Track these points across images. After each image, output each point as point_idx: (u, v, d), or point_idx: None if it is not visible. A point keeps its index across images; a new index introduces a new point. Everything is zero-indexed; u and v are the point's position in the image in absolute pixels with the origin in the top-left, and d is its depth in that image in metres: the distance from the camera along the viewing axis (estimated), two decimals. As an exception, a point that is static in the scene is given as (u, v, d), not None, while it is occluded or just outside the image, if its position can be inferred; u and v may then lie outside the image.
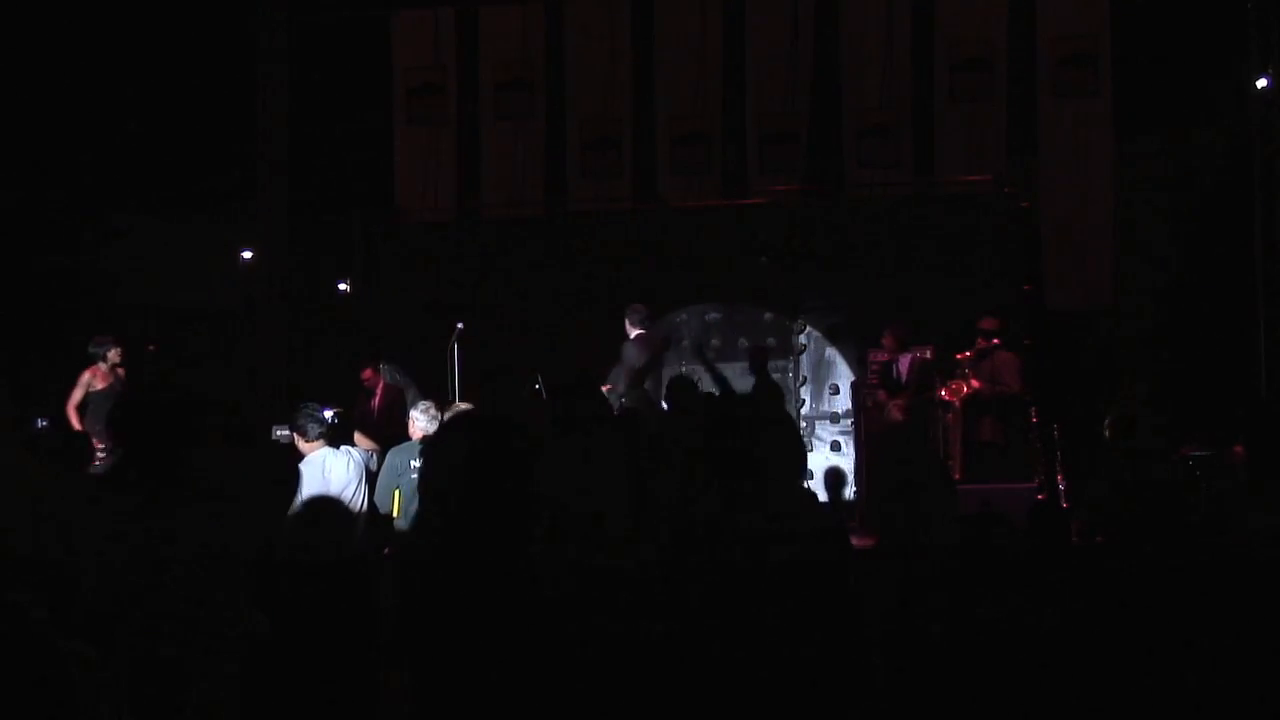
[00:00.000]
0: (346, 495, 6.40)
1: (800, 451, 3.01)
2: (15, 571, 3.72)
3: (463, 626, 2.54)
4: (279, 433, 9.60)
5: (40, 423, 8.44)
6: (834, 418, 11.42)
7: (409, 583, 2.65)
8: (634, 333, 9.87)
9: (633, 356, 9.64)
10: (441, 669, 2.55)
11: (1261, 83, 10.80)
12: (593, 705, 2.59)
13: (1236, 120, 11.03)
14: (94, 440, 8.55)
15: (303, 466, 6.44)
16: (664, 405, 9.93)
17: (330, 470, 6.40)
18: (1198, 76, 10.75)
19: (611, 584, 2.79)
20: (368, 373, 10.47)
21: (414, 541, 2.88)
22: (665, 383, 9.47)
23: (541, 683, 2.53)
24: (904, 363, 10.15)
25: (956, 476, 9.35)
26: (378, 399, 10.46)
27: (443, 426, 2.91)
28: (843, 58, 11.49)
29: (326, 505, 6.31)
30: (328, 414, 6.71)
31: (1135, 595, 3.37)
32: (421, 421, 7.02)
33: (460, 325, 9.74)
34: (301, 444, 6.52)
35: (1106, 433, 7.04)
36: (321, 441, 6.48)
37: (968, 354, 9.86)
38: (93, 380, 9.81)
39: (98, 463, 7.25)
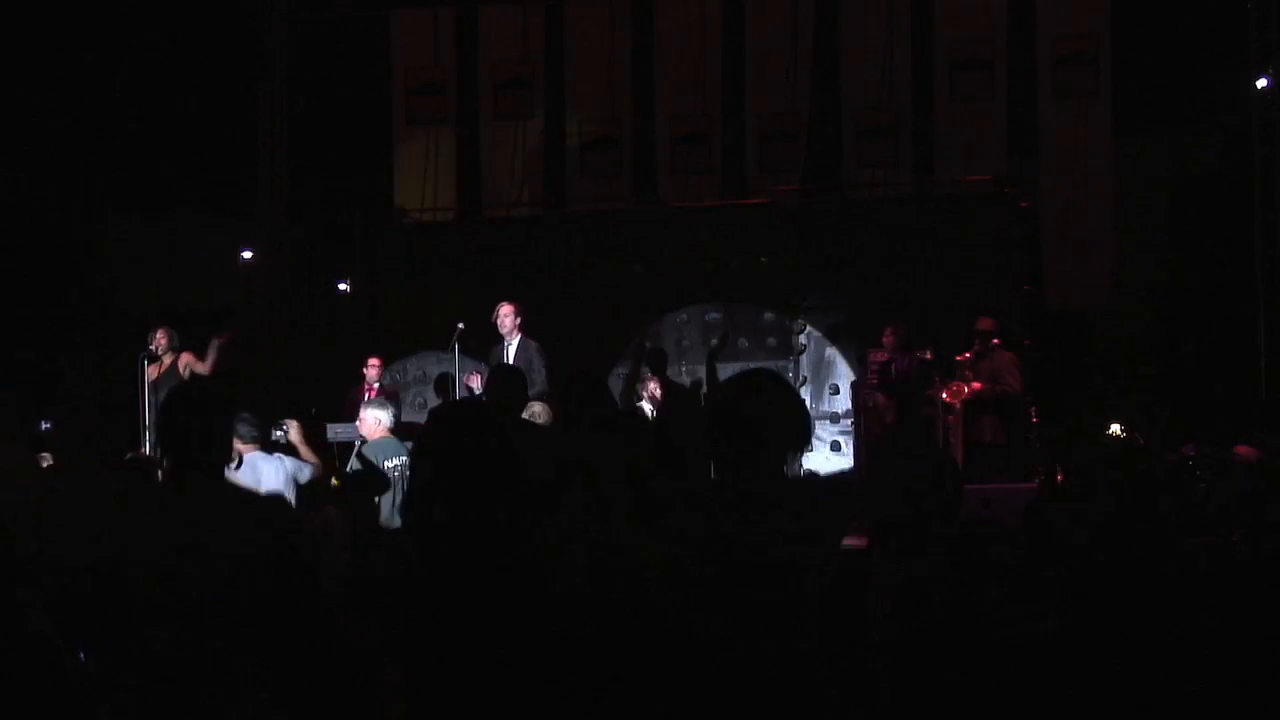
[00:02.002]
0: None
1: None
2: (15, 571, 3.71)
3: (456, 624, 2.54)
4: (278, 434, 9.62)
5: (44, 424, 8.41)
6: (834, 418, 11.40)
7: (400, 580, 2.65)
8: (519, 335, 9.07)
9: (540, 362, 8.82)
10: (435, 667, 2.55)
11: (1261, 83, 10.80)
12: (586, 703, 2.59)
13: (1236, 120, 11.03)
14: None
15: (235, 466, 6.56)
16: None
17: (261, 473, 6.56)
18: (1198, 76, 10.76)
19: (609, 582, 2.78)
20: (375, 362, 10.39)
21: (405, 539, 2.86)
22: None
23: (536, 681, 2.53)
24: (901, 362, 10.14)
25: (957, 477, 9.32)
26: (373, 395, 10.41)
27: (430, 419, 2.88)
28: (843, 58, 11.51)
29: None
30: (280, 432, 7.03)
31: (1133, 595, 3.37)
32: (384, 418, 7.21)
33: (460, 325, 9.72)
34: (237, 444, 6.66)
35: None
36: (256, 445, 6.64)
37: (968, 355, 9.85)
38: (155, 375, 9.20)
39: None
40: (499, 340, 9.11)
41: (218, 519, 3.09)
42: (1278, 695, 3.23)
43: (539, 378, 8.61)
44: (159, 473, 7.09)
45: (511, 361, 8.90)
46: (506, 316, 9.06)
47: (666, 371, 10.84)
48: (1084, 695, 3.14)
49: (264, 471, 6.58)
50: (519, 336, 9.04)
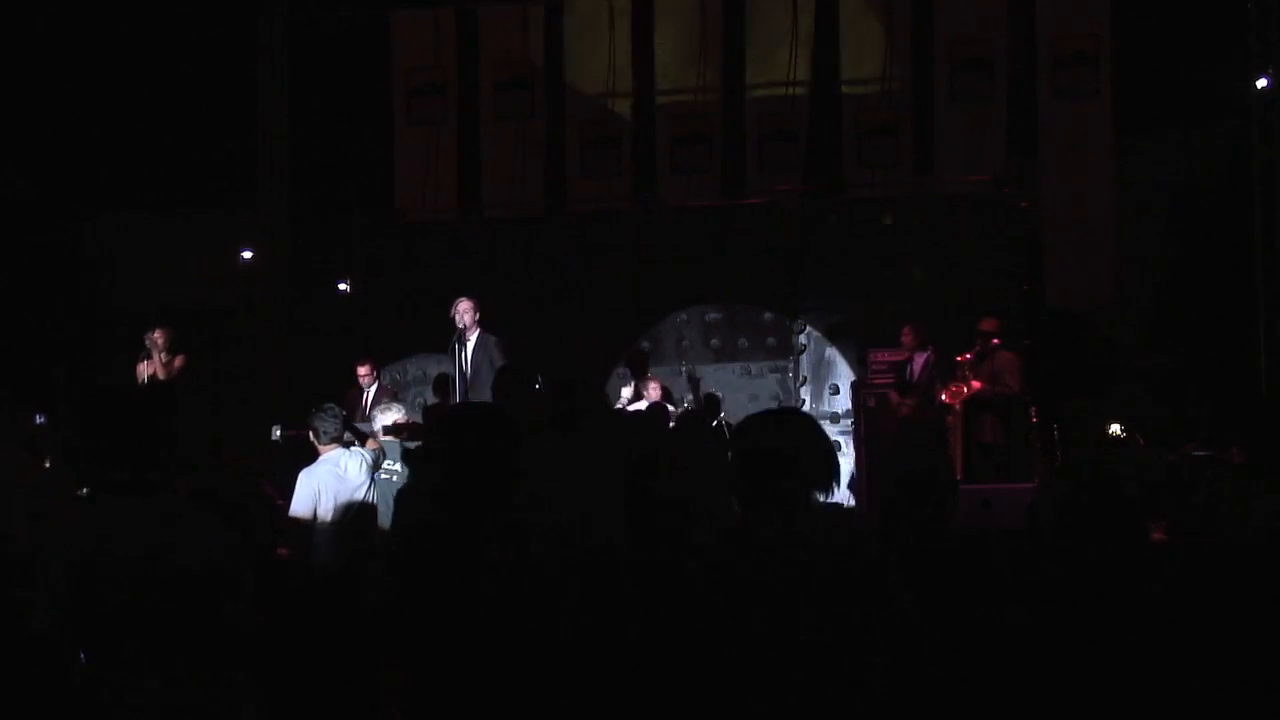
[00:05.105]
0: (359, 494, 6.44)
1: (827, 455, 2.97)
2: (15, 571, 3.71)
3: (457, 624, 2.54)
4: (278, 433, 9.60)
5: (38, 418, 8.41)
6: (834, 418, 11.41)
7: (404, 581, 2.64)
8: (478, 331, 9.02)
9: (500, 358, 8.72)
10: (437, 667, 2.54)
11: (1261, 83, 10.80)
12: (586, 704, 2.59)
13: (1236, 120, 11.02)
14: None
15: (317, 467, 6.45)
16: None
17: (347, 470, 6.43)
18: (1198, 76, 10.75)
19: (603, 585, 2.78)
20: (365, 367, 10.37)
21: (408, 540, 2.86)
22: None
23: (536, 681, 2.53)
24: (918, 362, 10.15)
25: (958, 476, 9.33)
26: (369, 397, 10.39)
27: (439, 423, 2.88)
28: (843, 57, 11.50)
29: (353, 507, 6.37)
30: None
31: (1129, 595, 3.37)
32: (376, 425, 7.08)
33: (461, 326, 9.72)
34: (317, 445, 6.55)
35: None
36: (336, 444, 6.51)
37: (969, 355, 9.86)
38: (145, 373, 9.11)
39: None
40: (458, 336, 9.06)
41: (177, 525, 3.06)
42: (1271, 692, 3.24)
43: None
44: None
45: (470, 358, 8.90)
46: (465, 312, 9.04)
47: (648, 373, 10.85)
48: (1082, 694, 3.14)
49: (349, 467, 6.47)
50: (478, 332, 9.02)
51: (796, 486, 2.83)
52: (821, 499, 2.91)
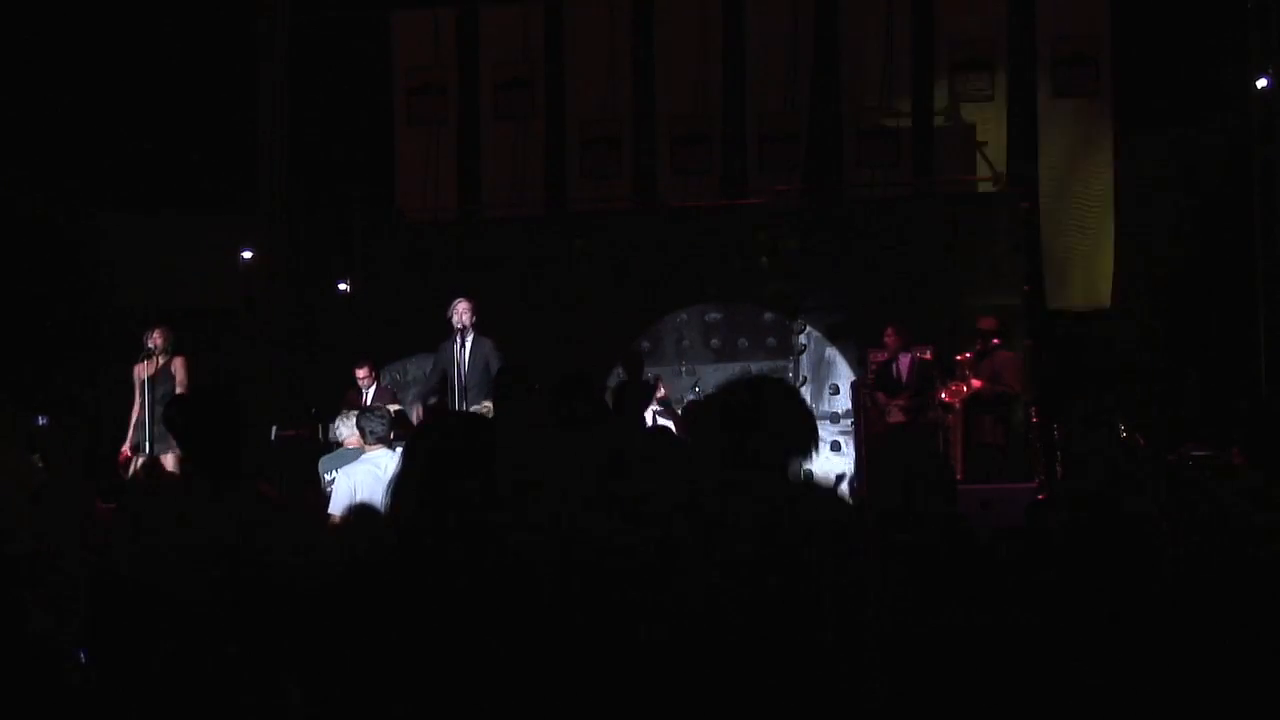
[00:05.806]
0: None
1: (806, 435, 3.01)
2: (15, 572, 3.72)
3: (437, 621, 2.55)
4: (278, 433, 9.60)
5: (40, 420, 8.40)
6: (834, 418, 11.39)
7: (380, 582, 2.66)
8: (474, 333, 8.95)
9: (497, 360, 8.65)
10: (414, 664, 2.55)
11: (1261, 83, 10.80)
12: (573, 703, 2.59)
13: (1236, 120, 11.03)
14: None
15: (355, 467, 6.44)
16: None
17: (386, 471, 6.40)
18: (1198, 76, 10.76)
19: (595, 578, 2.79)
20: (363, 370, 10.37)
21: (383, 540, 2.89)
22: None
23: (519, 676, 2.53)
24: (904, 362, 10.13)
25: (958, 477, 9.33)
26: (367, 399, 10.38)
27: (420, 425, 2.93)
28: (843, 58, 11.52)
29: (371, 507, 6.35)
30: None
31: (1126, 595, 3.37)
32: (344, 431, 7.04)
33: (461, 327, 9.72)
34: (363, 444, 6.57)
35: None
36: (382, 444, 6.52)
37: (968, 355, 9.86)
38: (143, 374, 9.09)
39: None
40: (449, 336, 9.04)
41: (255, 524, 3.11)
42: (1271, 694, 3.24)
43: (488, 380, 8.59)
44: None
45: (468, 359, 8.89)
46: (465, 313, 9.01)
47: (644, 372, 10.84)
48: (1081, 694, 3.15)
49: (389, 467, 6.44)
50: (473, 334, 9.02)
51: (771, 446, 2.84)
52: (801, 466, 2.93)
